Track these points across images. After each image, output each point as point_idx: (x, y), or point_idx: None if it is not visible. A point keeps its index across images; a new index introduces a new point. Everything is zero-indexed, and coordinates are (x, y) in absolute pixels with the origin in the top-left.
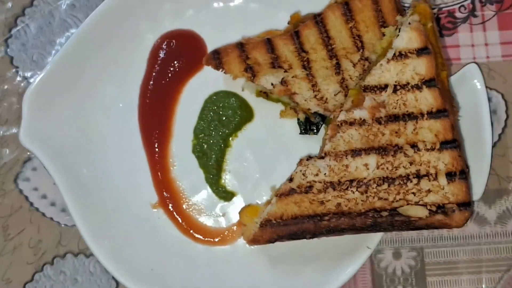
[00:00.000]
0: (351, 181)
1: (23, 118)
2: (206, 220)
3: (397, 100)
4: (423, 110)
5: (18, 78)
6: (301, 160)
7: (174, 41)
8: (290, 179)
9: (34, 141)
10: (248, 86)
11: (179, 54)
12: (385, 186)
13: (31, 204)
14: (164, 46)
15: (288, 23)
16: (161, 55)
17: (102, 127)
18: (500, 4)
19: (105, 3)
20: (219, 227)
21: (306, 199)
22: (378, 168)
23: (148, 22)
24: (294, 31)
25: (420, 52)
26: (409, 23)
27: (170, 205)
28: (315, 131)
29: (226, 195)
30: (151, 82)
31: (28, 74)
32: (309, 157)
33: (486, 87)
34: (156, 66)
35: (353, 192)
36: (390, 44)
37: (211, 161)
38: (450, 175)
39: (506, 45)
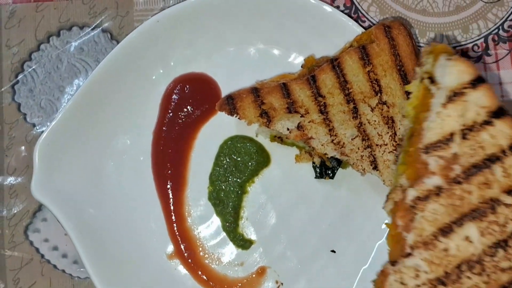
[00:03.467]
0: (459, 266)
1: (34, 170)
2: (224, 270)
3: (471, 146)
4: (504, 146)
5: (26, 125)
6: (383, 270)
7: (187, 85)
8: None
9: (46, 193)
10: (262, 131)
11: (192, 98)
12: (501, 252)
13: (42, 256)
14: (177, 91)
15: (302, 66)
16: (174, 99)
17: (115, 177)
18: None
19: (116, 49)
20: (237, 277)
21: None
22: (483, 235)
23: (161, 66)
24: (311, 75)
25: (475, 83)
26: (447, 59)
27: (186, 255)
28: (330, 175)
29: (244, 243)
30: (164, 128)
31: (36, 121)
32: (393, 263)
33: None
34: (169, 111)
35: (470, 278)
36: (423, 99)
37: (228, 208)
38: None
39: None
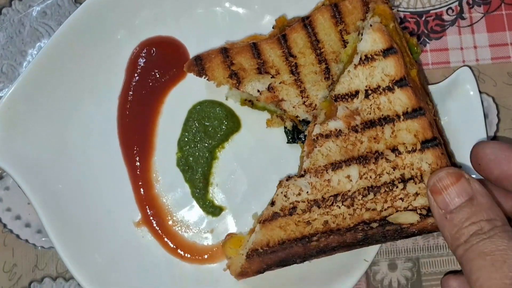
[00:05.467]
0: (335, 195)
1: None
2: (193, 237)
3: (370, 105)
4: (399, 112)
5: None
6: (280, 181)
7: (154, 48)
8: (272, 203)
9: (7, 158)
10: (232, 94)
11: (159, 62)
12: (371, 196)
13: (5, 225)
14: (143, 54)
15: (273, 27)
16: (141, 63)
17: (80, 142)
18: (488, 5)
19: (79, 10)
20: (207, 245)
21: (291, 221)
22: (361, 178)
23: (126, 29)
24: (281, 35)
25: (386, 52)
26: (371, 25)
27: (154, 222)
28: (303, 139)
29: (214, 210)
30: (131, 93)
31: None
32: (289, 177)
33: None
34: (135, 75)
35: (339, 207)
36: (355, 50)
37: (197, 174)
38: None
39: (495, 47)
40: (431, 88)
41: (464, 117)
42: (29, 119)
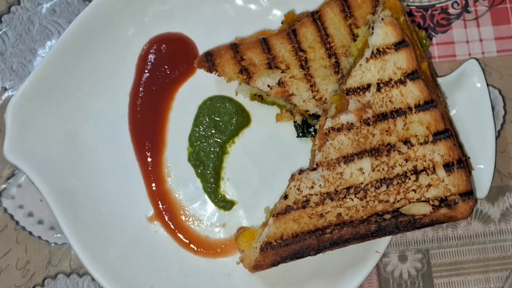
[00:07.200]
0: (348, 188)
1: (7, 132)
2: (205, 232)
3: (382, 98)
4: (411, 104)
5: None
6: (293, 175)
7: (163, 45)
8: (285, 196)
9: (20, 156)
10: (242, 89)
11: (169, 59)
12: (384, 187)
13: (17, 223)
14: (153, 51)
15: (282, 23)
16: (151, 60)
17: (91, 138)
18: None
19: (88, 8)
20: (219, 238)
21: (304, 214)
22: (373, 170)
23: (135, 26)
24: (291, 30)
25: (398, 46)
26: (382, 19)
27: (167, 217)
28: (313, 133)
29: (226, 204)
30: (141, 89)
31: (8, 85)
32: (301, 171)
33: None
34: (145, 72)
35: (352, 199)
36: (365, 44)
37: (209, 169)
38: (448, 166)
39: (500, 40)
40: (439, 80)
41: (472, 109)
42: (40, 116)
